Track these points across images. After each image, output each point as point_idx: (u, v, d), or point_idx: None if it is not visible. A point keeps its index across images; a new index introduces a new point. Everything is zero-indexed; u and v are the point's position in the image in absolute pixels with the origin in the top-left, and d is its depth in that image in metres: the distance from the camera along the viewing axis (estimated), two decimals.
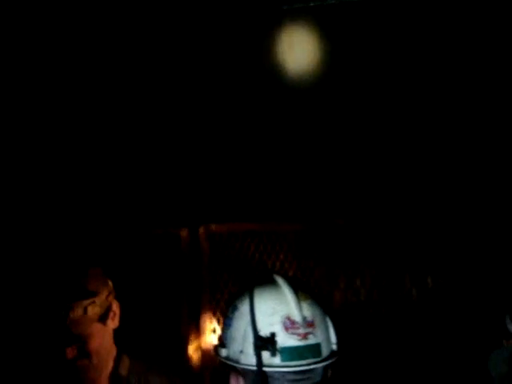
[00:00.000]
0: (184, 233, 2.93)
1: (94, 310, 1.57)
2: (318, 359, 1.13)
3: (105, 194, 3.13)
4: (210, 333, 2.82)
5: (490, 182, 3.12)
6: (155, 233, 2.93)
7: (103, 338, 1.61)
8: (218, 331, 2.74)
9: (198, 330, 2.83)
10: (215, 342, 2.80)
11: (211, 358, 2.77)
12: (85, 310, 1.55)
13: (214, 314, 2.84)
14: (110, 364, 1.67)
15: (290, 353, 1.08)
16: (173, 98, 3.23)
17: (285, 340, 1.09)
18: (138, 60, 3.16)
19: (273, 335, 1.09)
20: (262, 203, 3.13)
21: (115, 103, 3.17)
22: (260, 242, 2.97)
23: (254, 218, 3.00)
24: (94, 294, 1.60)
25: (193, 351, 2.82)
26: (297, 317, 1.12)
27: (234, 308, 1.19)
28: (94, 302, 1.59)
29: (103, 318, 1.60)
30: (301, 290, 1.21)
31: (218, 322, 2.82)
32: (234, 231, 2.95)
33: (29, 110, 3.09)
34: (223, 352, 1.19)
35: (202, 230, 2.91)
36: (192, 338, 2.83)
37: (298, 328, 1.11)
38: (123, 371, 1.68)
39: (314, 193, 3.20)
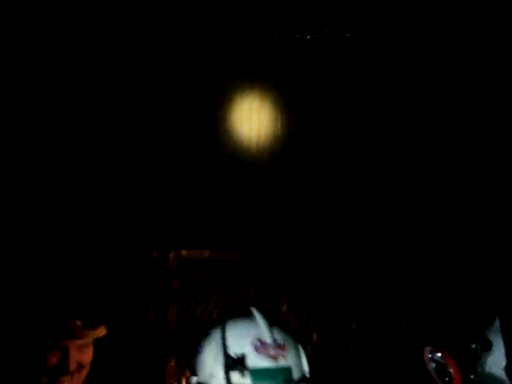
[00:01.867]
0: (153, 257, 2.86)
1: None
2: (289, 383, 1.11)
3: (72, 214, 3.02)
4: (176, 367, 2.71)
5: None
6: (123, 254, 2.85)
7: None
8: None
9: (163, 364, 2.72)
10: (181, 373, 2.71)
11: None
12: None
13: (182, 346, 2.74)
14: None
15: (261, 374, 1.06)
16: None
17: (255, 361, 1.07)
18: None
19: (243, 356, 1.07)
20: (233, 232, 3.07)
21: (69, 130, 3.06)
22: (232, 271, 2.93)
23: (225, 247, 2.94)
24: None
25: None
26: (267, 339, 1.11)
27: (206, 335, 1.20)
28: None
29: None
30: (273, 319, 1.22)
31: (186, 354, 2.72)
32: (205, 259, 2.90)
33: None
34: (194, 380, 1.18)
35: (172, 255, 2.85)
36: (156, 369, 2.72)
37: (268, 349, 1.09)
38: None
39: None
